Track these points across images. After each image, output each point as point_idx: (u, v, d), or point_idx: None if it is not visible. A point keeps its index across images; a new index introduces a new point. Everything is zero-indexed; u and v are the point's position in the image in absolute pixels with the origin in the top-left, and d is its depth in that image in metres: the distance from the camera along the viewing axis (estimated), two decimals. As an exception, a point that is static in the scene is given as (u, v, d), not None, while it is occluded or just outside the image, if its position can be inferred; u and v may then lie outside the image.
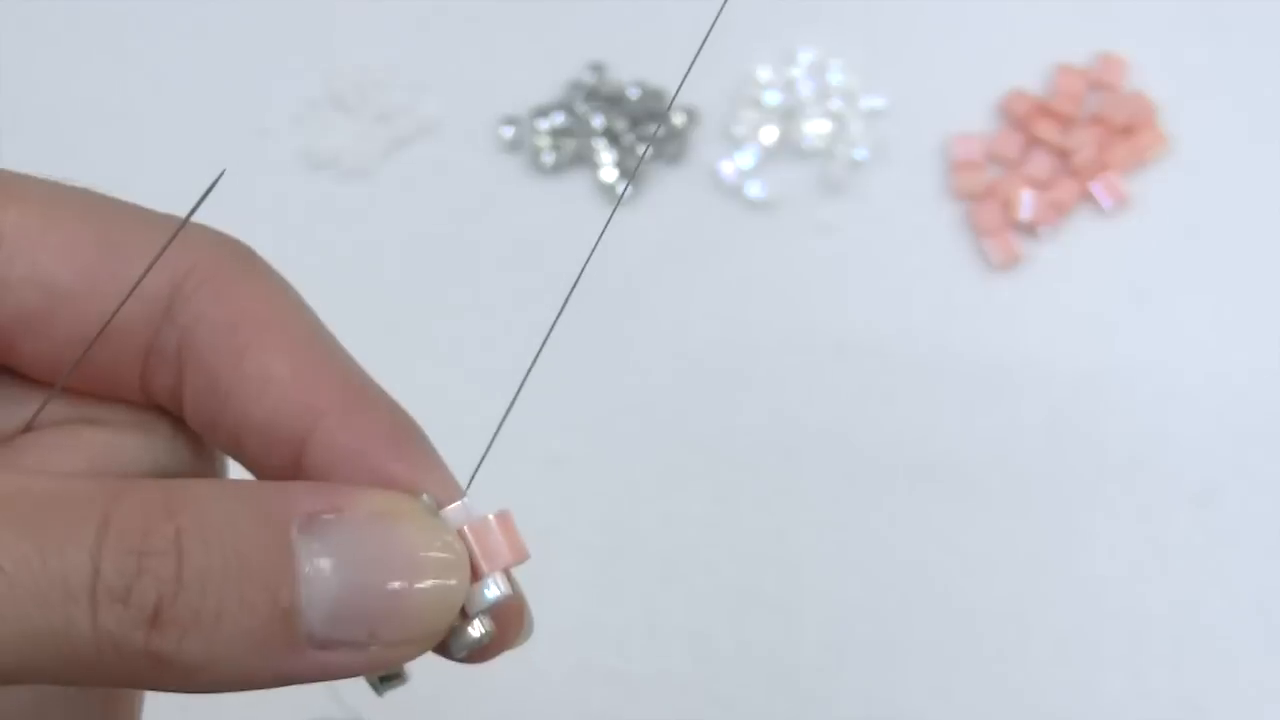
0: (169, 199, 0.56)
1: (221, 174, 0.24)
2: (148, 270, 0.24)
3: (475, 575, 0.23)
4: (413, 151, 0.52)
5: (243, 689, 0.21)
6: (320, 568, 0.21)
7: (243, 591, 0.20)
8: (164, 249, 0.24)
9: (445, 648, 0.23)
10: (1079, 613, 0.46)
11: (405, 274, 0.51)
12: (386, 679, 0.24)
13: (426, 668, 0.45)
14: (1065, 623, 0.46)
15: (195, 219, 0.25)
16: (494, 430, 0.42)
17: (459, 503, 0.23)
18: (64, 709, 0.26)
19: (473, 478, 0.26)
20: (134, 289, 0.23)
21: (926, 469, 0.48)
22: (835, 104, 0.53)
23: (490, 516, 0.23)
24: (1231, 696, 0.45)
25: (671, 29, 0.53)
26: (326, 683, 0.22)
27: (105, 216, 0.25)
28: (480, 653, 0.24)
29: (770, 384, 0.50)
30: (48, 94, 0.52)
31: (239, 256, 0.26)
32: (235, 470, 0.26)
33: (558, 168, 0.52)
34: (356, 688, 0.40)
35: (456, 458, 0.53)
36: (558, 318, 0.27)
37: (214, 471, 0.27)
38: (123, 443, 0.25)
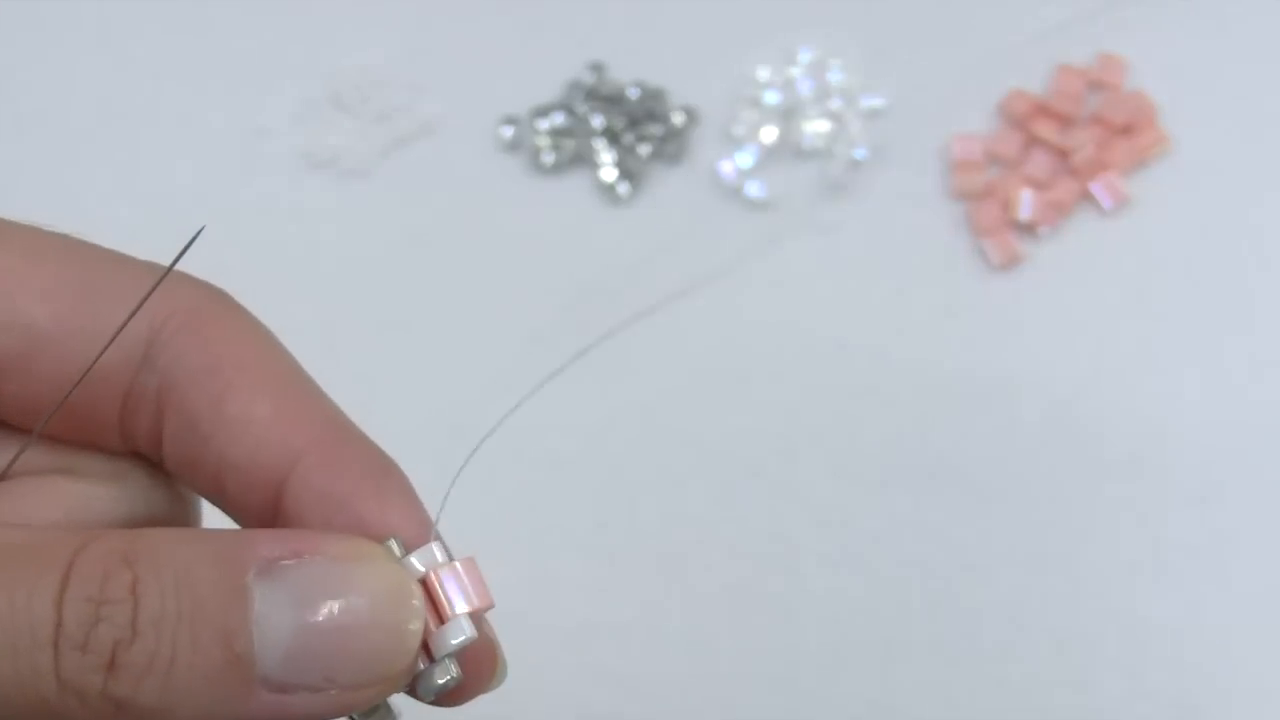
0: (170, 198, 0.57)
1: (201, 229, 0.24)
2: (131, 316, 0.24)
3: (442, 619, 0.23)
4: (413, 151, 0.52)
5: None
6: (274, 612, 0.21)
7: (196, 636, 0.21)
8: (147, 296, 0.24)
9: (414, 690, 0.23)
10: (1079, 613, 0.46)
11: (405, 274, 0.51)
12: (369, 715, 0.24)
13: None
14: (1065, 623, 0.46)
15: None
16: (491, 428, 0.42)
17: (427, 546, 0.23)
18: None
19: (439, 514, 0.26)
20: (116, 335, 0.24)
21: (926, 468, 0.48)
22: (835, 104, 0.53)
23: (457, 563, 0.23)
24: (1231, 697, 0.45)
25: (671, 29, 0.53)
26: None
27: (85, 261, 0.25)
28: (451, 695, 0.24)
29: (770, 384, 0.50)
30: (48, 94, 0.52)
31: (217, 301, 0.26)
32: (215, 518, 0.26)
33: (558, 168, 0.52)
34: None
35: (455, 457, 0.53)
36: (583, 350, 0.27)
37: (189, 521, 0.27)
38: (98, 494, 0.26)
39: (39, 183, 0.50)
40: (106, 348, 0.24)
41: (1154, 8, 0.55)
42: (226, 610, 0.21)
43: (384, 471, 0.25)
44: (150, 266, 0.25)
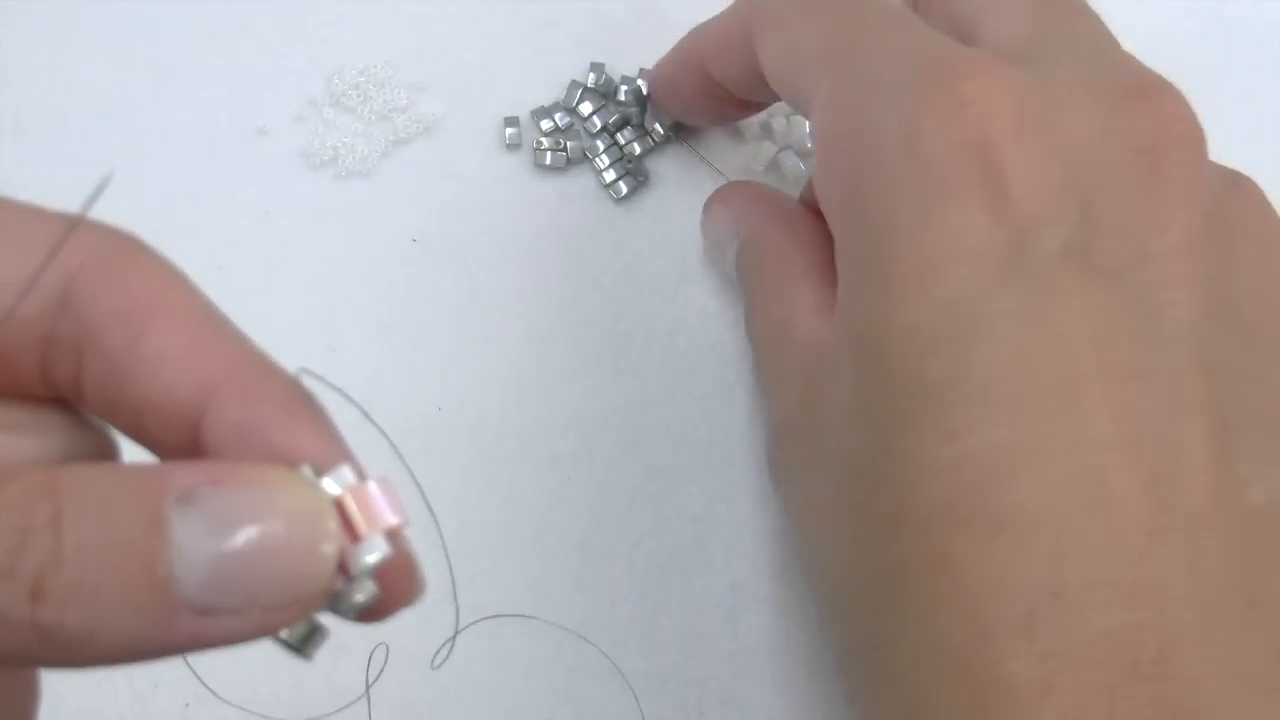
0: (170, 198, 0.56)
1: (109, 175, 0.25)
2: (45, 265, 0.24)
3: (356, 538, 0.24)
4: (413, 151, 0.52)
5: (130, 660, 0.22)
6: (193, 538, 0.22)
7: (119, 563, 0.21)
8: (60, 243, 0.24)
9: (336, 608, 0.24)
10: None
11: (405, 274, 0.51)
12: (307, 639, 0.25)
13: (423, 667, 0.45)
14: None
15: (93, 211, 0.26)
16: (492, 430, 0.42)
17: (339, 468, 0.24)
18: None
19: (436, 522, 0.26)
20: (30, 284, 0.24)
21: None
22: (835, 104, 0.53)
23: (370, 482, 0.24)
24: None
25: (672, 29, 0.53)
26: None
27: None
28: (373, 612, 0.25)
29: (770, 384, 0.50)
30: (48, 94, 0.52)
31: (129, 245, 0.26)
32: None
33: (558, 167, 0.52)
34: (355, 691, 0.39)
35: (454, 457, 0.53)
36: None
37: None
38: (19, 444, 0.26)
39: (39, 183, 0.50)
40: (21, 297, 0.25)
41: (1154, 7, 0.55)
42: (147, 538, 0.22)
43: (296, 400, 0.26)
44: (59, 215, 0.26)
